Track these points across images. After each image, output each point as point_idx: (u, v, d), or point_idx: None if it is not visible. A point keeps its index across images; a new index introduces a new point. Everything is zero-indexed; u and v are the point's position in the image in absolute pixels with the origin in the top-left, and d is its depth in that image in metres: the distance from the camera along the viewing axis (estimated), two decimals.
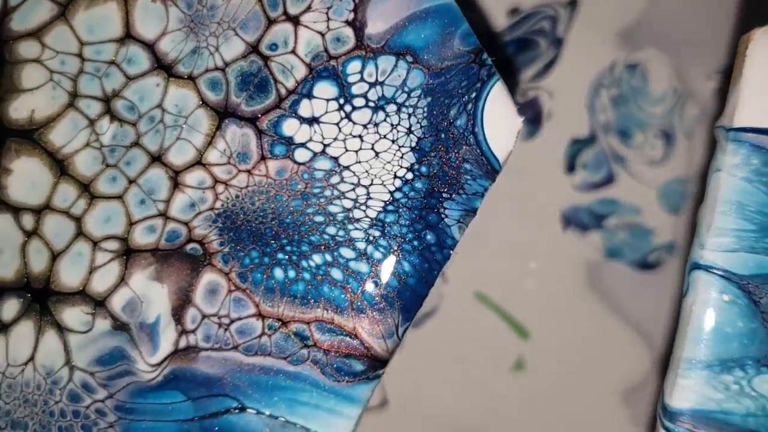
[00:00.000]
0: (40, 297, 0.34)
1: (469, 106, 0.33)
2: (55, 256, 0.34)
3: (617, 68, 0.50)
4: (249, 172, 0.34)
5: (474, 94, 0.33)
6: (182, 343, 0.34)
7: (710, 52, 0.51)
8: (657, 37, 0.51)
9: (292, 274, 0.34)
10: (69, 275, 0.34)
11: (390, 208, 0.33)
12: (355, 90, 0.34)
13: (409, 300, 0.33)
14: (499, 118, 0.33)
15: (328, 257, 0.34)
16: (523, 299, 0.52)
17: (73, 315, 0.34)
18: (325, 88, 0.34)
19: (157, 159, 0.34)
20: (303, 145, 0.34)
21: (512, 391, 0.52)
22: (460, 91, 0.33)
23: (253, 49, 0.34)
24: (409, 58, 0.33)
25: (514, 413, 0.52)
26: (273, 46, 0.34)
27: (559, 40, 0.49)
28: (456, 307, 0.52)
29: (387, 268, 0.33)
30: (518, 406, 0.52)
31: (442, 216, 0.33)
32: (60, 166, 0.34)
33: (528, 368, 0.52)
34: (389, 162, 0.33)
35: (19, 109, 0.34)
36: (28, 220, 0.34)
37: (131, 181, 0.34)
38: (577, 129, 0.50)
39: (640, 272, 0.51)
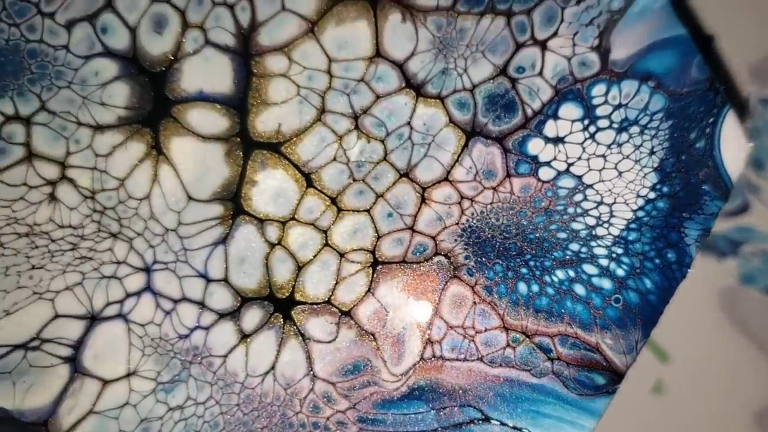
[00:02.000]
0: (283, 307, 0.35)
1: (708, 129, 0.35)
2: (300, 267, 0.35)
3: (750, 102, 0.52)
4: (494, 189, 0.35)
5: (711, 119, 0.35)
6: (427, 353, 0.35)
7: None
8: None
9: (535, 288, 0.35)
10: (315, 286, 0.35)
11: (633, 226, 0.34)
12: (599, 112, 0.35)
13: (649, 316, 0.35)
14: (732, 142, 0.35)
15: (571, 273, 0.35)
16: (663, 322, 0.53)
17: (317, 324, 0.35)
18: (570, 110, 0.35)
19: (404, 175, 0.35)
20: (547, 163, 0.35)
21: (652, 413, 0.53)
22: (698, 116, 0.35)
23: (501, 71, 0.35)
24: (652, 83, 0.35)
25: None
26: (520, 69, 0.35)
27: None
28: None
29: (630, 284, 0.35)
30: (657, 427, 0.54)
31: (683, 235, 0.35)
32: (306, 179, 0.35)
33: (667, 391, 0.53)
34: (632, 181, 0.35)
35: (267, 122, 0.35)
36: (272, 232, 0.35)
37: (379, 196, 0.35)
38: None
39: None
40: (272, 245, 0.35)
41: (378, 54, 0.35)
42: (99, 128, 0.36)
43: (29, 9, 0.35)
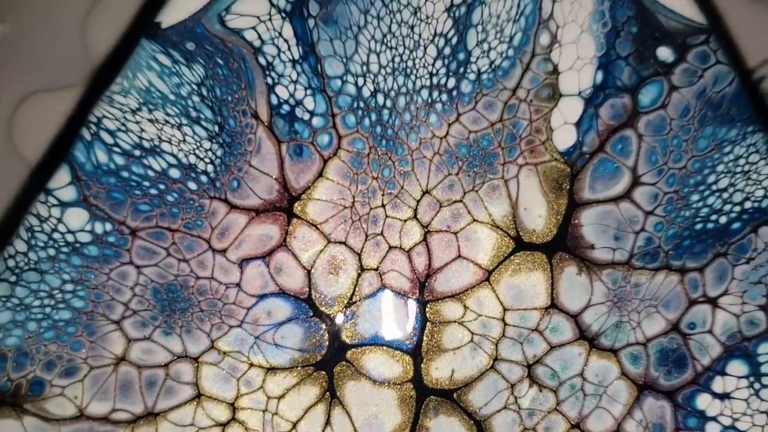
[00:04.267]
0: None
1: None
2: None
3: None
4: None
5: None
6: None
7: None
8: None
9: None
10: None
11: None
12: (764, 369, 0.36)
13: None
14: None
15: None
16: None
17: None
18: (737, 367, 0.36)
19: (576, 426, 0.35)
20: (714, 418, 0.36)
21: None
22: None
23: (674, 326, 0.36)
24: None
25: None
26: (692, 325, 0.36)
27: None
28: None
29: None
30: None
31: None
32: (478, 427, 0.35)
33: None
34: None
35: (441, 369, 0.35)
36: None
37: None
38: None
39: None
40: None
41: (553, 305, 0.36)
42: (271, 369, 0.35)
43: (199, 244, 0.35)
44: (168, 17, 0.34)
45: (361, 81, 0.35)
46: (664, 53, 0.35)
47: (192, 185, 0.35)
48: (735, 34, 0.42)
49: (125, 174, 0.34)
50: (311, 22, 0.34)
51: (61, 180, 0.34)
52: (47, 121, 0.37)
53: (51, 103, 0.37)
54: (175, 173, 0.35)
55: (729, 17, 0.42)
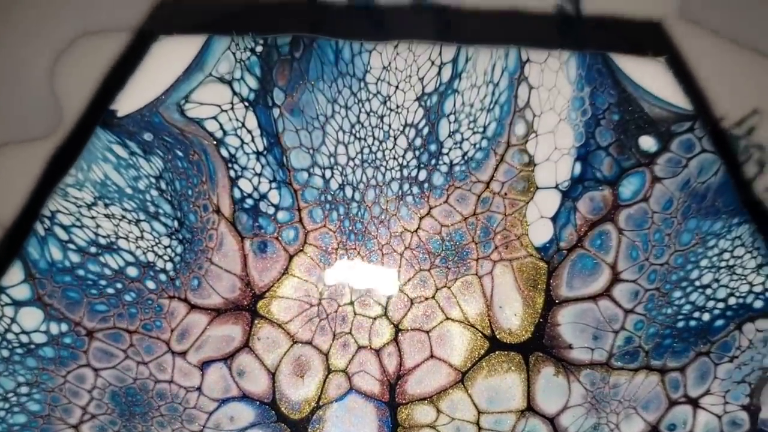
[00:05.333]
0: None
1: None
2: None
3: None
4: None
5: None
6: None
7: None
8: None
9: None
10: None
11: None
12: None
13: None
14: None
15: None
16: None
17: None
18: None
19: None
20: None
21: None
22: None
23: (653, 428, 0.35)
24: None
25: None
26: (672, 426, 0.35)
27: None
28: None
29: None
30: None
31: None
32: None
33: None
34: None
35: None
36: None
37: None
38: None
39: None
40: None
41: (529, 407, 0.34)
42: None
43: (158, 346, 0.33)
44: (124, 105, 0.32)
45: (328, 173, 0.33)
46: (647, 142, 0.33)
47: (150, 284, 0.33)
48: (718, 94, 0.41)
49: (81, 272, 0.32)
50: (276, 112, 0.33)
51: (13, 278, 0.32)
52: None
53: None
54: (132, 272, 0.33)
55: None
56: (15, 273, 0.32)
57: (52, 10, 0.40)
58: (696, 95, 0.38)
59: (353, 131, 0.33)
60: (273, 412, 0.34)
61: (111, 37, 0.40)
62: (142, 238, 0.33)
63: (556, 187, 0.34)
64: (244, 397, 0.34)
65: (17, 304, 0.32)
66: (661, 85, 0.33)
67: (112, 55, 0.40)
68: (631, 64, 0.33)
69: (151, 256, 0.33)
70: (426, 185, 0.34)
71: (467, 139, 0.33)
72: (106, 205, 0.32)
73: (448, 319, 0.34)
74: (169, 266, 0.33)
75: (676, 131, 0.33)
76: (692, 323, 0.34)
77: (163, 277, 0.33)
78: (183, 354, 0.33)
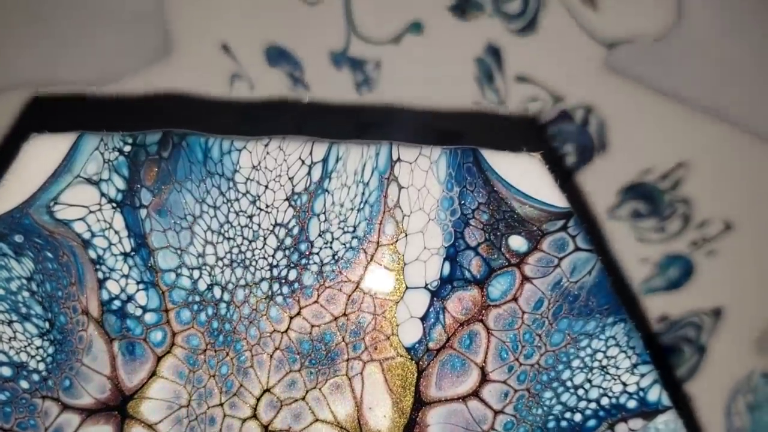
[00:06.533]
0: None
1: None
2: None
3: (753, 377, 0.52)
4: None
5: None
6: None
7: None
8: None
9: None
10: None
11: None
12: None
13: None
14: None
15: None
16: None
17: None
18: None
19: None
20: None
21: None
22: None
23: None
24: None
25: None
26: None
27: (702, 347, 0.51)
28: None
29: None
30: None
31: None
32: None
33: None
34: None
35: None
36: None
37: None
38: None
39: None
40: None
41: None
42: None
43: None
44: None
45: (196, 273, 0.33)
46: (517, 242, 0.33)
47: (24, 384, 0.33)
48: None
49: None
50: (143, 212, 0.33)
51: None
52: None
53: None
54: (6, 371, 0.33)
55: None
56: None
57: None
58: (572, 191, 0.37)
59: (222, 231, 0.33)
60: None
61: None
62: (14, 338, 0.33)
63: (426, 286, 0.33)
64: None
65: None
66: (534, 182, 0.33)
67: None
68: (503, 161, 0.33)
69: (23, 356, 0.33)
70: (296, 285, 0.34)
71: (337, 239, 0.33)
72: None
73: (317, 420, 0.34)
74: (41, 366, 0.33)
75: (548, 230, 0.32)
76: (563, 423, 0.34)
77: (35, 377, 0.33)
78: None
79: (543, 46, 0.46)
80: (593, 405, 0.34)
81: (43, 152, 0.33)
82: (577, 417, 0.34)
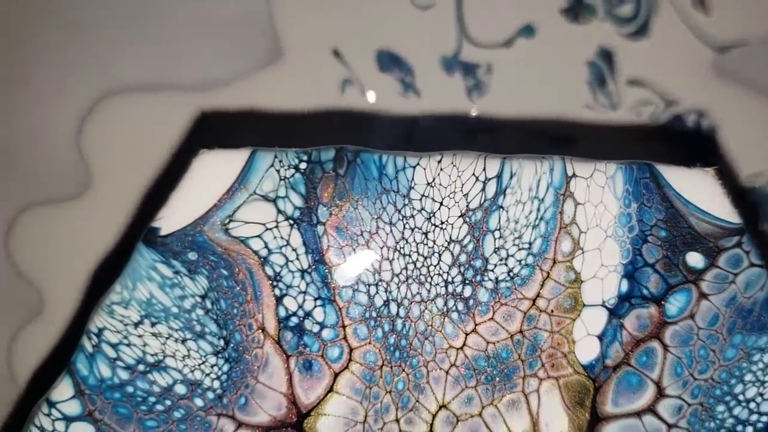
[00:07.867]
0: None
1: None
2: None
3: None
4: None
5: None
6: None
7: None
8: None
9: None
10: None
11: None
12: None
13: None
14: None
15: None
16: None
17: None
18: None
19: None
20: None
21: None
22: None
23: None
24: None
25: None
26: None
27: None
28: None
29: None
30: None
31: None
32: None
33: None
34: None
35: None
36: None
37: None
38: None
39: None
40: None
41: None
42: None
43: None
44: (167, 223, 0.32)
45: (373, 289, 0.33)
46: (695, 258, 0.33)
47: (198, 402, 0.33)
48: None
49: (130, 389, 0.33)
50: (320, 229, 0.32)
51: (64, 393, 0.32)
52: None
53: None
54: (181, 389, 0.33)
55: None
56: (65, 388, 0.32)
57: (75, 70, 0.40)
58: (744, 207, 0.37)
59: (398, 247, 0.33)
60: None
61: (135, 96, 0.40)
62: (189, 356, 0.33)
63: (603, 304, 0.33)
64: None
65: (68, 419, 0.32)
66: (710, 198, 0.33)
67: (137, 114, 0.40)
68: (678, 177, 0.33)
69: (198, 374, 0.33)
70: (471, 302, 0.34)
71: (512, 256, 0.33)
72: (153, 324, 0.33)
73: None
74: (216, 384, 0.33)
75: (724, 246, 0.33)
76: None
77: (210, 395, 0.33)
78: None
79: (655, 50, 0.46)
80: (765, 418, 0.34)
81: (215, 168, 0.32)
82: (749, 430, 0.34)
